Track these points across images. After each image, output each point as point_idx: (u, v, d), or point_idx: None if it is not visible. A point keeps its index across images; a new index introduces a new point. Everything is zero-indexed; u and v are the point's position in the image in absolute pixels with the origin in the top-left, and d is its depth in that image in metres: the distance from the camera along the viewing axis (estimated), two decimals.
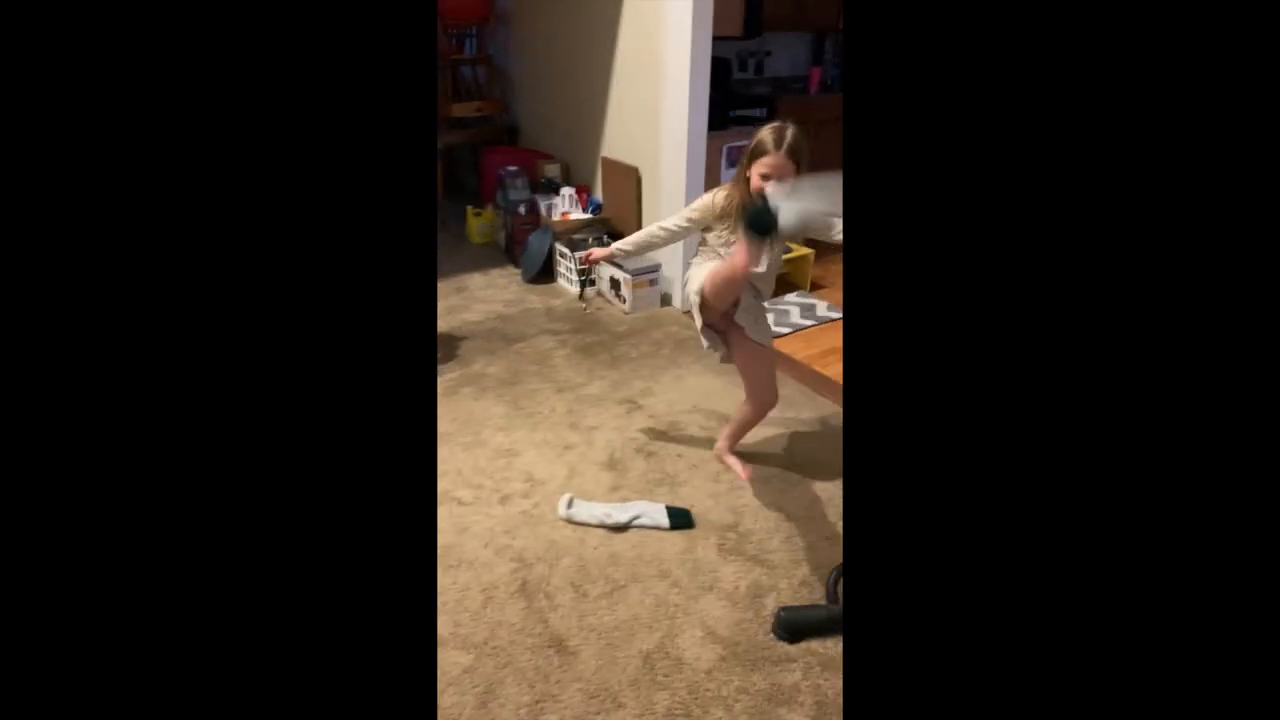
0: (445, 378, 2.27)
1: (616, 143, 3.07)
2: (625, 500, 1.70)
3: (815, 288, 3.04)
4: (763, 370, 1.70)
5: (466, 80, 3.83)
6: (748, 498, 1.73)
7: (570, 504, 1.66)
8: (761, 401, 1.73)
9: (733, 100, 3.26)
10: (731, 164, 2.85)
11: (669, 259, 2.82)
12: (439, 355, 2.40)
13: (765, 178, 1.45)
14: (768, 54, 3.95)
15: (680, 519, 1.63)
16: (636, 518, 1.62)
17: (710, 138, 2.64)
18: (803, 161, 1.49)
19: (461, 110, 3.66)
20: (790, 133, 1.47)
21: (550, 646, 1.31)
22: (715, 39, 2.46)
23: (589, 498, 1.71)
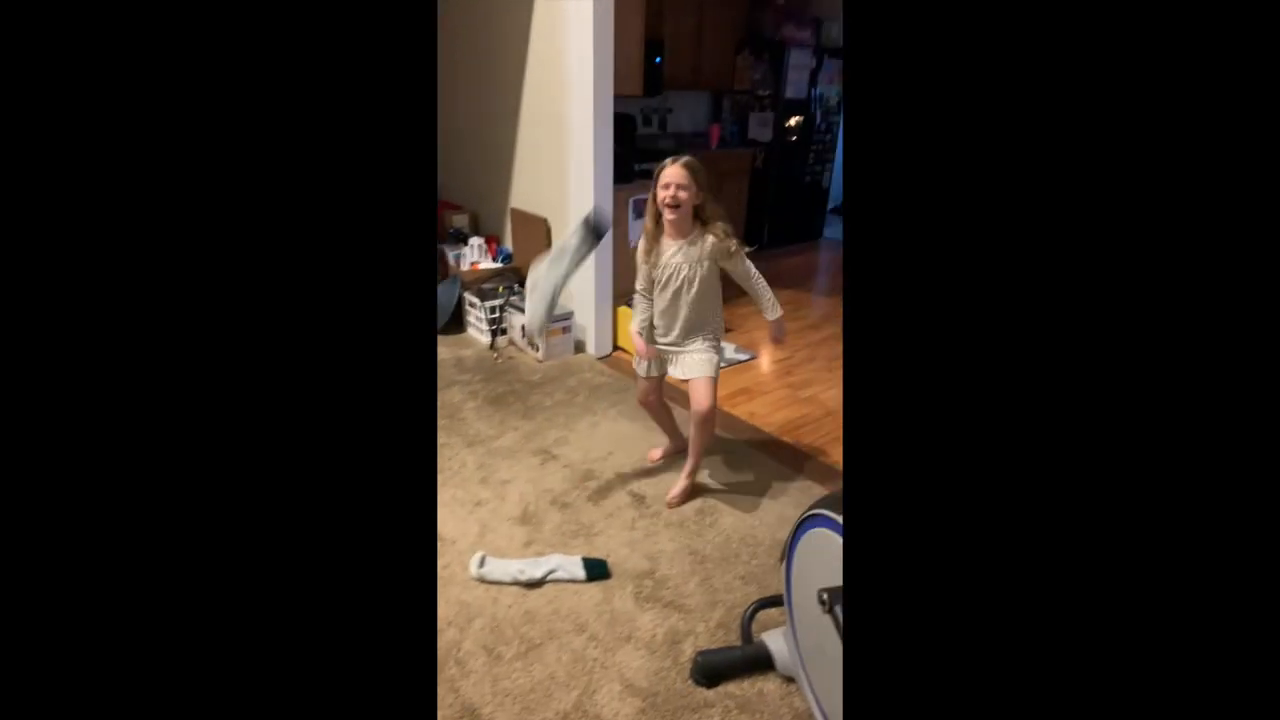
0: None
1: (525, 194, 3.11)
2: (540, 554, 1.66)
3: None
4: (693, 393, 1.79)
5: None
6: (663, 543, 1.73)
7: (482, 562, 1.60)
8: (696, 414, 1.78)
9: (637, 154, 3.39)
10: (638, 215, 2.95)
11: (581, 306, 2.85)
12: None
13: (665, 188, 1.66)
14: (670, 110, 4.17)
15: (596, 570, 1.61)
16: (551, 572, 1.59)
17: (616, 190, 2.73)
18: (700, 180, 1.67)
19: None
20: (685, 156, 1.70)
21: (462, 718, 1.24)
22: (618, 96, 2.58)
23: (502, 554, 1.66)
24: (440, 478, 1.97)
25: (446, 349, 2.87)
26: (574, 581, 1.59)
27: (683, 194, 1.64)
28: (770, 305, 1.79)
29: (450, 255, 3.18)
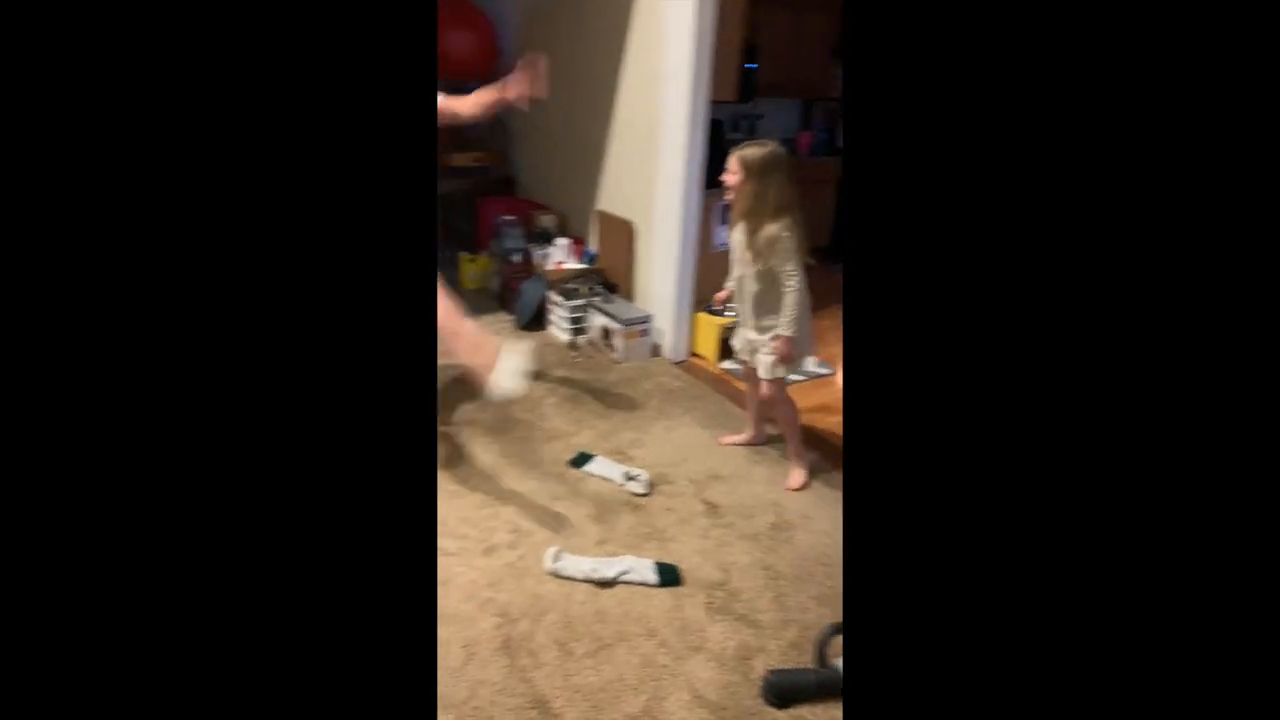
0: (439, 421, 2.26)
1: (612, 197, 3.15)
2: (612, 555, 1.68)
3: None
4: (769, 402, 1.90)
5: (467, 132, 3.93)
6: (737, 554, 1.71)
7: (557, 557, 1.63)
8: (783, 417, 1.93)
9: (725, 160, 3.37)
10: (724, 222, 2.93)
11: (660, 309, 2.86)
12: None
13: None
14: (760, 117, 4.12)
15: (668, 575, 1.61)
16: (624, 573, 1.60)
17: (704, 196, 2.72)
18: (750, 170, 1.69)
19: (461, 160, 3.75)
20: (751, 147, 1.78)
21: (533, 708, 1.27)
22: (710, 102, 2.57)
23: (576, 550, 1.68)
24: (519, 469, 2.02)
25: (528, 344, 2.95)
26: (645, 585, 1.59)
27: (731, 178, 1.77)
28: (784, 321, 1.79)
29: (536, 254, 3.26)
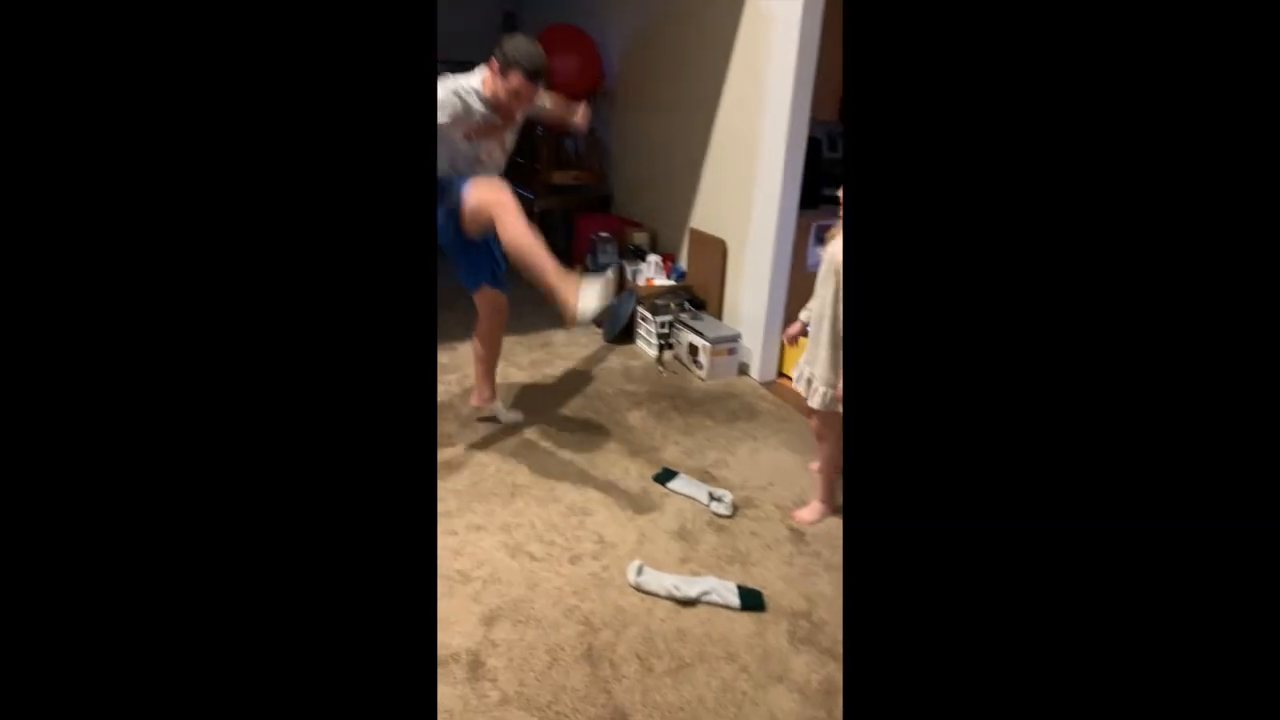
0: (524, 429, 2.34)
1: (705, 215, 3.17)
2: (695, 574, 1.67)
3: None
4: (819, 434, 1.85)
5: (568, 151, 4.09)
6: (823, 585, 1.66)
7: (640, 571, 1.64)
8: (829, 452, 1.86)
9: (823, 179, 3.32)
10: (819, 241, 2.87)
11: (749, 328, 2.84)
12: (520, 410, 2.48)
13: None
14: None
15: (751, 600, 1.58)
16: (706, 593, 1.59)
17: (800, 215, 2.69)
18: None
19: (560, 178, 3.90)
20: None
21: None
22: (810, 121, 2.54)
23: (658, 566, 1.69)
24: (604, 481, 2.06)
25: (617, 358, 3.01)
26: (727, 607, 1.57)
27: None
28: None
29: (628, 270, 3.33)
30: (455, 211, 1.88)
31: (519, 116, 1.99)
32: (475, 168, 1.95)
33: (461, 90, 1.84)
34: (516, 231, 1.76)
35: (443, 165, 1.92)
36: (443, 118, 1.81)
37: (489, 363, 2.30)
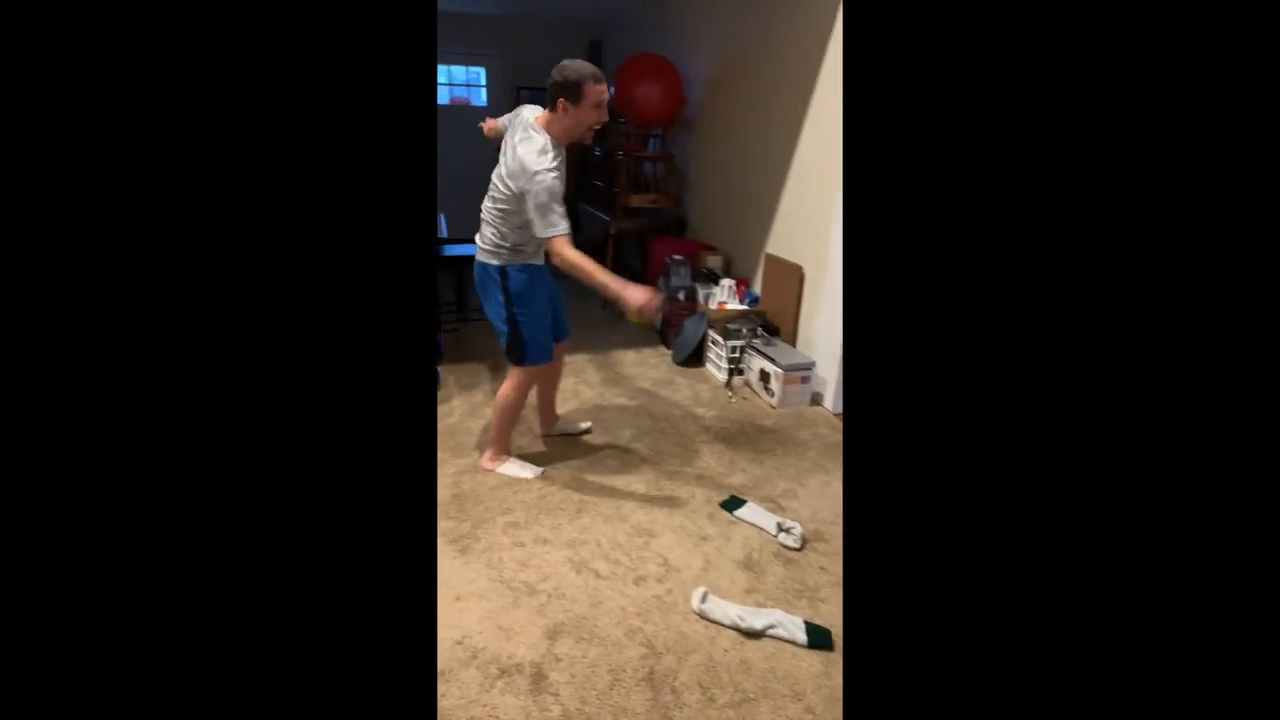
0: (592, 447, 2.37)
1: (782, 241, 3.15)
2: (761, 605, 1.63)
3: None
4: None
5: (646, 175, 4.17)
6: None
7: (704, 598, 1.62)
8: None
9: None
10: None
11: (823, 357, 2.78)
12: (590, 425, 2.51)
13: None
14: None
15: (819, 638, 1.53)
16: (771, 626, 1.55)
17: None
18: None
19: (638, 201, 3.98)
20: None
21: None
22: None
23: (723, 595, 1.66)
24: (670, 504, 2.05)
25: (686, 380, 3.01)
26: (794, 643, 1.52)
27: None
28: None
29: (700, 293, 3.34)
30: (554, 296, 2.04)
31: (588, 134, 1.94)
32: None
33: (556, 173, 1.77)
34: None
35: (524, 241, 1.89)
36: (558, 206, 1.76)
37: (549, 396, 2.39)
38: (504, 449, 2.22)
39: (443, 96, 5.69)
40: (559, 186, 1.77)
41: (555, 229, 1.76)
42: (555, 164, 1.77)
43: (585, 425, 2.46)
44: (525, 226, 1.84)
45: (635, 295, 1.80)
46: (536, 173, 1.74)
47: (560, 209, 1.77)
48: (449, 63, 5.62)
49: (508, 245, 1.91)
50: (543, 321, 2.02)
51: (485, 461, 2.21)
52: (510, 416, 2.14)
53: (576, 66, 1.78)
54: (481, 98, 5.82)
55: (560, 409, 2.59)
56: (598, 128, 1.87)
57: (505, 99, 5.72)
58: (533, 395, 2.35)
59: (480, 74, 5.75)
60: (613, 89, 3.89)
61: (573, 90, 1.77)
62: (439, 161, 5.68)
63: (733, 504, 2.04)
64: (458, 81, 5.74)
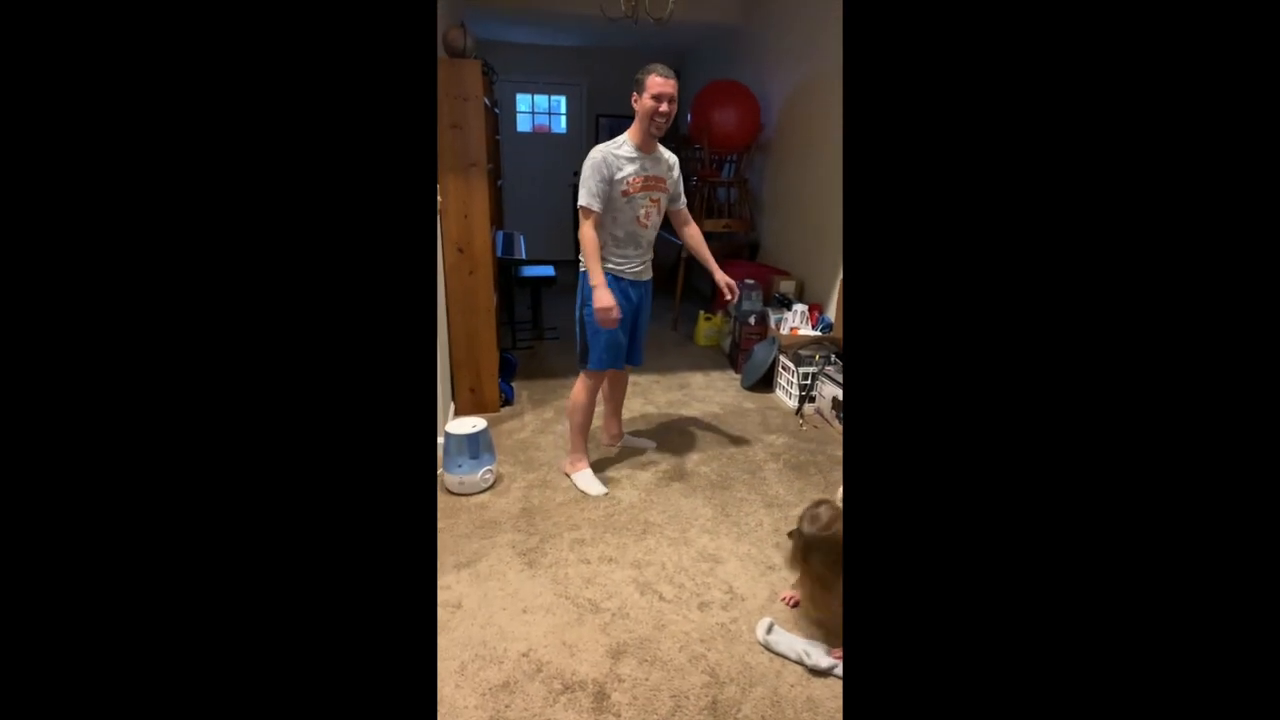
0: (658, 468, 2.38)
1: None
2: (828, 642, 1.58)
3: None
4: None
5: (719, 200, 4.20)
6: None
7: (770, 629, 1.58)
8: None
9: None
10: None
11: None
12: (656, 444, 2.52)
13: None
14: None
15: None
16: (836, 666, 1.49)
17: None
18: None
19: (711, 225, 4.00)
20: None
21: None
22: None
23: (789, 628, 1.62)
24: (737, 530, 2.02)
25: (754, 405, 2.98)
26: None
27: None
28: None
29: (772, 318, 3.31)
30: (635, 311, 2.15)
31: (668, 184, 2.11)
32: (635, 232, 2.08)
33: (609, 155, 1.99)
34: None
35: (604, 242, 2.05)
36: (593, 182, 1.97)
37: (614, 406, 2.46)
38: (580, 452, 2.29)
39: (524, 124, 5.95)
40: (601, 167, 1.96)
41: (582, 200, 1.99)
42: (616, 152, 2.00)
43: (649, 444, 2.48)
44: (598, 228, 2.04)
45: (602, 297, 1.98)
46: (593, 152, 1.99)
47: (596, 186, 1.97)
48: (531, 91, 5.87)
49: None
50: (611, 331, 2.10)
51: (566, 465, 2.31)
52: (578, 419, 2.24)
53: (647, 65, 1.98)
54: (561, 125, 6.04)
55: (627, 427, 2.62)
56: (663, 118, 1.99)
57: (585, 127, 5.91)
58: (602, 404, 2.41)
59: (561, 102, 5.98)
60: (690, 115, 3.95)
61: (639, 84, 1.97)
62: (519, 186, 5.89)
63: None
64: (540, 110, 5.99)
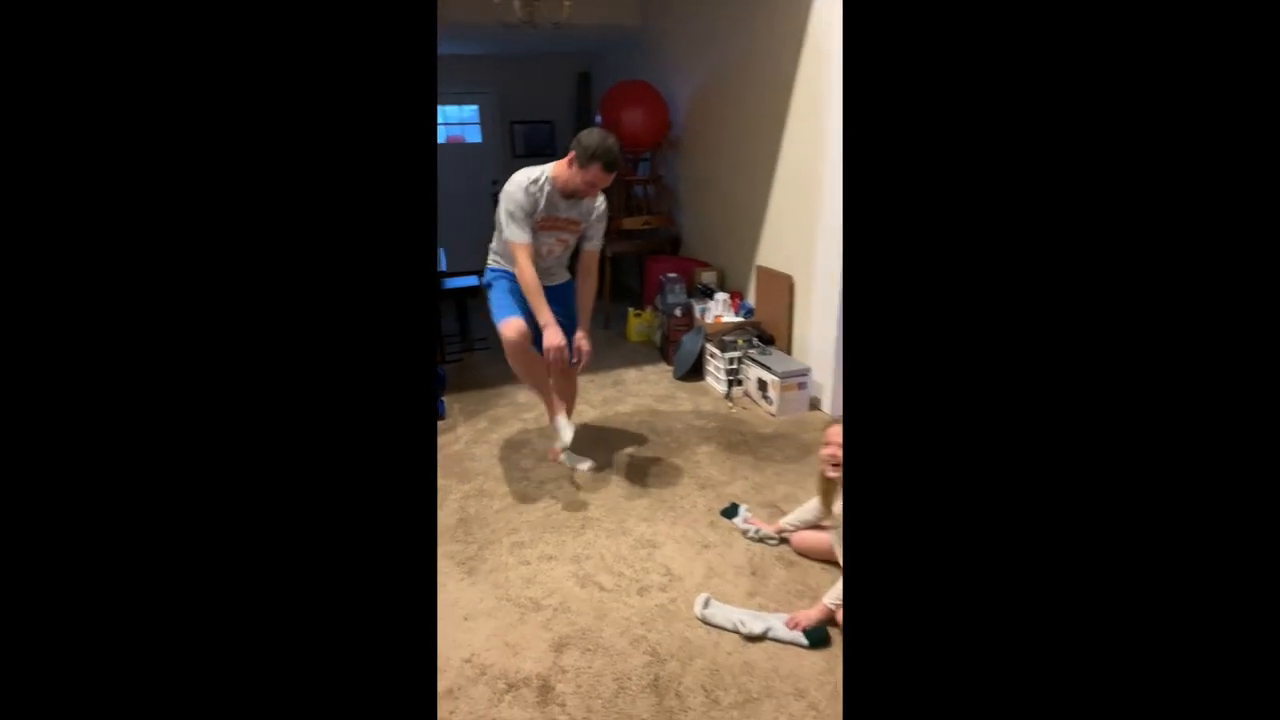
0: (596, 466, 2.41)
1: (771, 252, 3.21)
2: (763, 608, 1.66)
3: None
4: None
5: (638, 198, 4.26)
6: None
7: (707, 604, 1.65)
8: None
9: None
10: None
11: (819, 363, 2.81)
12: (590, 452, 2.56)
13: (826, 446, 1.64)
14: None
15: (819, 638, 1.55)
16: (771, 629, 1.57)
17: None
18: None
19: (631, 223, 4.06)
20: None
21: None
22: None
23: (726, 600, 1.69)
24: (673, 515, 2.08)
25: (687, 395, 3.05)
26: (795, 644, 1.54)
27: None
28: (833, 597, 1.58)
29: (697, 309, 3.40)
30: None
31: (582, 225, 2.17)
32: (538, 260, 2.11)
33: (533, 188, 2.01)
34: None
35: (506, 259, 2.13)
36: (519, 217, 1.99)
37: (561, 396, 2.39)
38: (549, 409, 2.37)
39: (438, 136, 5.87)
40: (525, 203, 2.00)
41: (509, 237, 2.03)
42: (536, 191, 2.01)
43: (587, 463, 2.38)
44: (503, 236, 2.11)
45: (551, 336, 2.00)
46: (508, 187, 2.02)
47: (522, 220, 2.01)
48: (443, 103, 5.80)
49: (494, 250, 2.22)
50: (506, 296, 2.17)
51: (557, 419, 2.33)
52: (526, 381, 2.24)
53: (600, 143, 1.95)
54: (476, 134, 5.99)
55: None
56: (584, 194, 2.06)
57: (500, 134, 5.88)
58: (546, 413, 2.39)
59: (474, 111, 5.92)
60: (599, 117, 4.01)
61: (582, 157, 1.96)
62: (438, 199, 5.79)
63: (731, 511, 2.07)
64: (452, 120, 5.92)
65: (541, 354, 2.07)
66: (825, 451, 1.60)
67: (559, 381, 2.35)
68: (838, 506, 1.64)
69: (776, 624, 1.58)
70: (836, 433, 1.59)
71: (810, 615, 1.58)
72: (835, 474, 1.60)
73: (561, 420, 2.31)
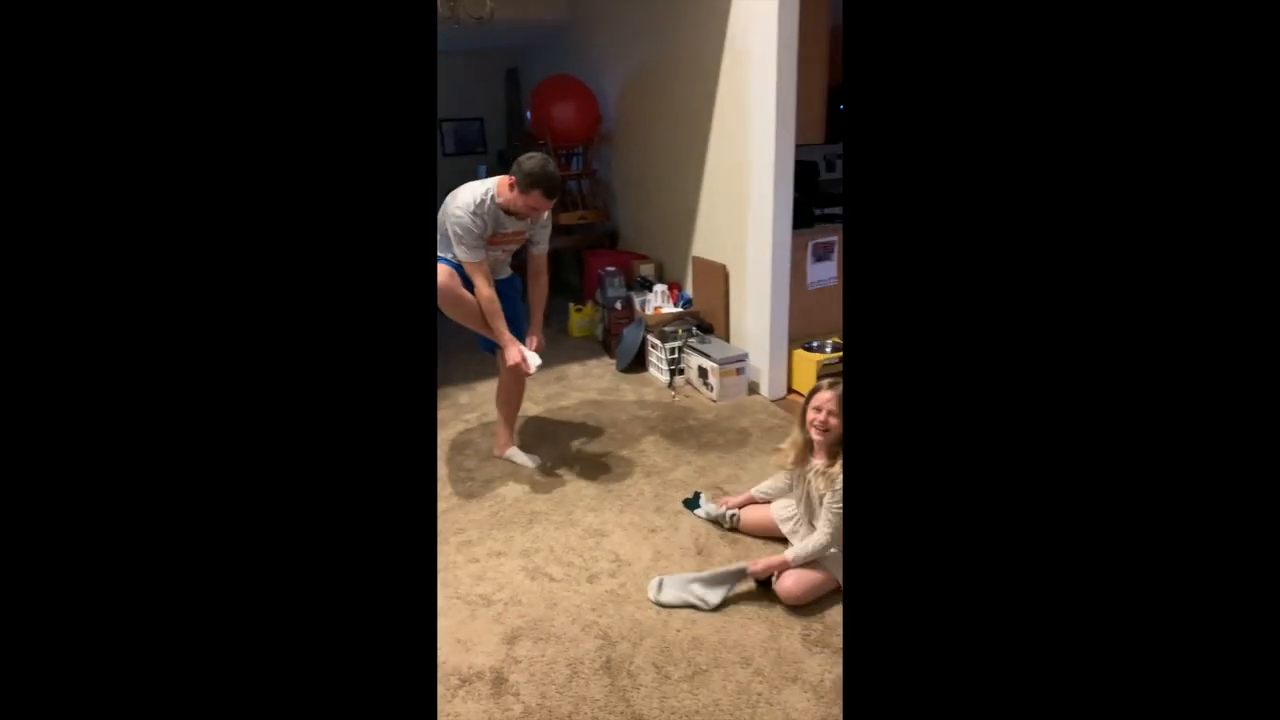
0: (541, 462, 2.42)
1: (706, 242, 3.28)
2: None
3: None
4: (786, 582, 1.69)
5: (573, 193, 4.27)
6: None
7: (661, 587, 1.69)
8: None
9: (819, 199, 3.41)
10: (818, 259, 2.95)
11: (755, 348, 2.90)
12: (537, 448, 2.56)
13: (817, 410, 1.69)
14: None
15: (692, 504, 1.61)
16: (730, 589, 1.63)
17: (796, 235, 2.78)
18: None
19: (568, 219, 4.07)
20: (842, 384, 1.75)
21: None
22: (801, 144, 2.65)
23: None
24: (619, 503, 2.12)
25: (630, 386, 3.09)
26: (733, 575, 1.61)
27: (834, 420, 1.65)
28: (794, 552, 1.64)
29: (636, 301, 3.44)
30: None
31: (527, 234, 2.20)
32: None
33: (481, 211, 1.99)
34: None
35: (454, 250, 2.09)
36: (469, 240, 1.99)
37: (509, 417, 2.43)
38: (501, 442, 2.45)
39: None
40: (474, 229, 2.00)
41: (463, 259, 2.03)
42: (480, 211, 2.01)
43: (533, 461, 2.38)
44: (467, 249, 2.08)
45: (511, 353, 2.11)
46: (453, 209, 2.01)
47: (472, 241, 2.01)
48: None
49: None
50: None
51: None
52: (459, 318, 2.16)
53: (541, 169, 1.95)
54: None
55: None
56: (526, 216, 2.08)
57: None
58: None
59: None
60: (529, 113, 3.99)
61: (523, 183, 1.96)
62: None
63: (693, 502, 2.09)
64: None
65: (472, 294, 2.11)
66: (813, 417, 1.68)
67: (507, 379, 2.35)
68: (818, 461, 1.71)
69: (732, 581, 1.66)
70: (822, 398, 1.67)
71: (771, 562, 1.66)
72: (819, 437, 1.69)
73: (515, 452, 2.38)
